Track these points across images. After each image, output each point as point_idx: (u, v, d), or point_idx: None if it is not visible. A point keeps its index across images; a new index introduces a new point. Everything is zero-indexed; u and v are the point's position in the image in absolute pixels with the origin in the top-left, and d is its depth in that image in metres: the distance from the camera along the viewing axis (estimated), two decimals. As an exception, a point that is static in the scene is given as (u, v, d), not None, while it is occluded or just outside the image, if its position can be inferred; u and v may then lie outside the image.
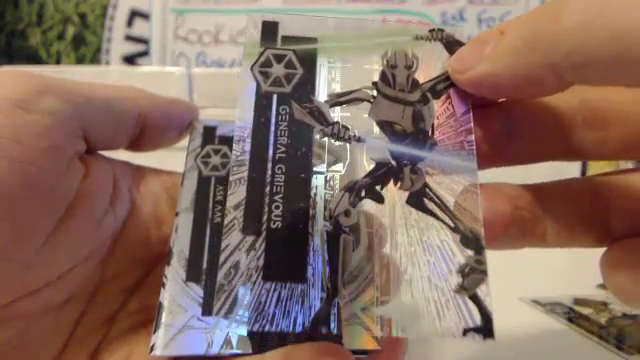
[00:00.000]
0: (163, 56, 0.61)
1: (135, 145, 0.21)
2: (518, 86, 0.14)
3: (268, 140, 0.15)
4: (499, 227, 0.15)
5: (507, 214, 0.16)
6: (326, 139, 0.16)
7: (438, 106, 0.16)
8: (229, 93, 0.49)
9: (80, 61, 0.62)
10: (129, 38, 0.62)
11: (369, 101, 0.16)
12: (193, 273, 0.18)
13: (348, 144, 0.16)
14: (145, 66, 0.61)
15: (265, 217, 0.15)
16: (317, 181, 0.15)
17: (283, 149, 0.15)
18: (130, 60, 0.62)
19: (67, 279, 0.17)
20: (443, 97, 0.16)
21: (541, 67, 0.13)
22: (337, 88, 0.16)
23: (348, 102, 0.16)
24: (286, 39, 0.17)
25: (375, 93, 0.16)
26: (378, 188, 0.15)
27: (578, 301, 0.30)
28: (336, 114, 0.16)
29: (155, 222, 0.20)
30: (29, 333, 0.17)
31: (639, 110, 0.16)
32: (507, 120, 0.17)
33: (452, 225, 0.15)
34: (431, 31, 0.17)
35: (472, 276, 0.14)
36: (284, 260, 0.14)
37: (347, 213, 0.15)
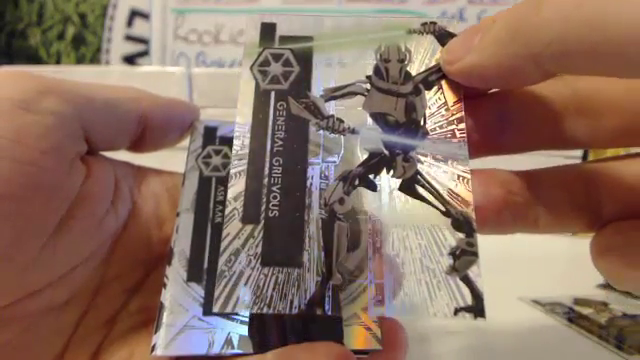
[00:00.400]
0: (163, 56, 0.61)
1: (136, 146, 0.21)
2: (503, 76, 0.15)
3: (266, 135, 0.16)
4: (491, 212, 0.16)
5: (500, 199, 0.16)
6: (321, 132, 0.16)
7: (430, 97, 0.17)
8: (229, 93, 0.49)
9: (80, 61, 0.62)
10: (129, 38, 0.62)
11: (363, 94, 0.17)
12: (194, 273, 0.18)
13: (343, 136, 0.16)
14: (145, 66, 0.60)
15: (263, 207, 0.15)
16: (313, 172, 0.16)
17: (280, 143, 0.16)
18: (130, 60, 0.62)
19: (68, 279, 0.17)
20: (435, 88, 0.17)
21: (522, 57, 0.13)
22: (332, 83, 0.17)
23: (343, 96, 0.17)
24: (283, 39, 0.18)
25: (369, 86, 0.17)
26: (371, 177, 0.16)
27: (578, 301, 0.30)
28: (331, 108, 0.17)
29: (156, 222, 0.21)
30: (30, 334, 0.17)
31: (631, 98, 0.16)
32: (499, 110, 0.17)
33: (444, 210, 0.15)
34: (423, 24, 0.18)
35: (463, 258, 0.14)
36: (281, 246, 0.15)
37: (341, 201, 0.15)
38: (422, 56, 0.17)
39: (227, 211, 0.15)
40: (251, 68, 0.17)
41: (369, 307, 0.14)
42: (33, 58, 0.62)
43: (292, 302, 0.14)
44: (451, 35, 0.17)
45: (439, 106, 0.16)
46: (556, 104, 0.16)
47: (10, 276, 0.15)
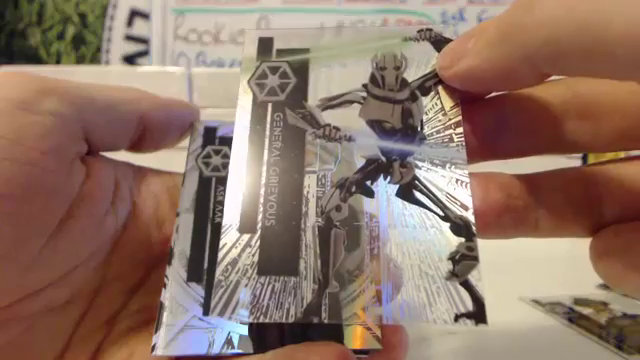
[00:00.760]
0: (163, 56, 0.61)
1: (136, 146, 0.21)
2: (498, 78, 0.15)
3: (263, 145, 0.16)
4: (492, 216, 0.16)
5: (500, 203, 0.16)
6: (318, 140, 0.16)
7: (427, 102, 0.17)
8: (229, 93, 0.49)
9: (80, 61, 0.62)
10: (129, 38, 0.62)
11: (359, 102, 0.17)
12: (194, 273, 0.18)
13: (339, 144, 0.16)
14: (145, 66, 0.61)
15: (260, 216, 0.15)
16: (309, 180, 0.16)
17: (277, 152, 0.16)
18: (130, 60, 0.62)
19: (68, 280, 0.17)
20: (432, 94, 0.17)
21: (516, 59, 0.13)
22: (328, 93, 0.17)
23: (339, 105, 0.17)
24: (280, 52, 0.18)
25: (365, 94, 0.17)
26: (369, 183, 0.16)
27: (578, 301, 0.30)
28: (328, 117, 0.17)
29: (156, 222, 0.21)
30: (31, 334, 0.17)
31: (631, 101, 0.16)
32: (497, 114, 0.17)
33: (442, 214, 0.15)
34: (419, 31, 0.18)
35: (463, 262, 0.14)
36: (278, 255, 0.15)
37: (338, 208, 0.15)
38: (418, 63, 0.17)
39: (224, 221, 0.15)
40: (249, 82, 0.17)
41: (367, 313, 0.14)
42: (33, 58, 0.62)
43: (289, 311, 0.14)
44: (447, 41, 0.17)
45: (436, 111, 0.16)
46: (556, 107, 0.16)
47: (10, 276, 0.16)
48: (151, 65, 0.60)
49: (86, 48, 0.62)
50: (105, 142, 0.19)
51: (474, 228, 0.15)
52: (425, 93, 0.17)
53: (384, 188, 0.16)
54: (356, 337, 0.16)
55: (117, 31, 0.61)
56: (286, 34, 0.18)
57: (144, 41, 0.61)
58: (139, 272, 0.20)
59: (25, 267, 0.16)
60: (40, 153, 0.16)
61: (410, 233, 0.15)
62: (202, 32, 0.61)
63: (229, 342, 0.16)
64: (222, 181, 0.20)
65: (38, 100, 0.16)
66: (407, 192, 0.15)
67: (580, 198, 0.16)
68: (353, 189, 0.16)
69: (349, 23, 0.61)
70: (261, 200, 0.16)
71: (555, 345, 0.25)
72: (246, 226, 0.15)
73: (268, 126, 0.17)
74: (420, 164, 0.16)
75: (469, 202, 0.15)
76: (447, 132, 0.16)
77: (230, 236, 0.15)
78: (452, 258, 0.14)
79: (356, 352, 0.15)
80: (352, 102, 0.17)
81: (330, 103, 0.17)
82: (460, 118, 0.16)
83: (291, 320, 0.14)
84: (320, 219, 0.15)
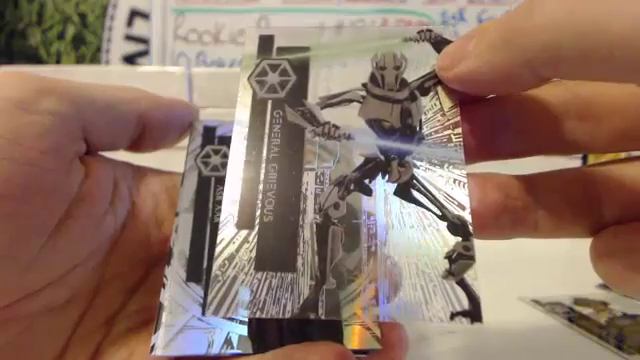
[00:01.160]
0: (163, 56, 0.61)
1: (135, 146, 0.21)
2: (498, 81, 0.15)
3: (262, 142, 0.16)
4: (490, 216, 0.16)
5: (498, 203, 0.16)
6: (317, 138, 0.16)
7: (426, 102, 0.17)
8: (229, 93, 0.49)
9: (80, 61, 0.62)
10: (129, 38, 0.62)
11: (359, 101, 0.17)
12: (193, 273, 0.18)
13: (338, 142, 0.16)
14: (145, 66, 0.61)
15: (258, 212, 0.15)
16: (308, 177, 0.16)
17: (276, 149, 0.16)
18: (130, 60, 0.62)
19: (67, 280, 0.17)
20: (431, 94, 0.17)
21: (517, 63, 0.14)
22: (328, 91, 0.17)
23: (339, 103, 0.17)
24: (281, 50, 0.18)
25: (364, 94, 0.17)
26: (367, 181, 0.16)
27: (578, 301, 0.30)
28: (327, 115, 0.17)
29: (155, 222, 0.21)
30: (30, 334, 0.17)
31: (631, 102, 0.16)
32: (495, 114, 0.17)
33: (439, 214, 0.15)
34: (419, 32, 0.18)
35: (460, 262, 0.14)
36: (275, 251, 0.15)
37: (336, 206, 0.16)
38: (418, 63, 0.17)
39: (222, 217, 0.15)
40: (249, 79, 0.17)
41: (364, 311, 0.14)
42: (33, 58, 0.62)
43: (285, 306, 0.14)
44: (447, 42, 0.17)
45: (435, 112, 0.16)
46: (556, 108, 0.16)
47: (10, 276, 0.15)
48: (151, 65, 0.60)
49: (86, 48, 0.62)
50: (104, 142, 0.19)
51: (471, 228, 0.15)
52: (424, 93, 0.17)
53: (382, 187, 0.16)
54: (355, 337, 0.16)
55: (117, 31, 0.61)
56: (287, 32, 0.18)
57: (144, 41, 0.61)
58: (138, 272, 0.20)
59: (24, 267, 0.16)
60: (39, 153, 0.16)
61: (407, 232, 0.15)
62: (202, 32, 0.61)
63: (228, 342, 0.16)
64: (221, 181, 0.20)
65: (37, 100, 0.16)
66: (405, 191, 0.16)
67: (579, 199, 0.16)
68: (351, 187, 0.16)
69: (349, 23, 0.61)
70: (259, 196, 0.16)
71: (555, 345, 0.25)
72: (244, 222, 0.15)
73: (268, 123, 0.17)
74: (418, 163, 0.16)
75: (466, 202, 0.15)
76: (446, 132, 0.16)
77: (228, 231, 0.15)
78: (449, 257, 0.14)
79: (355, 352, 0.15)
80: (352, 101, 0.17)
81: (330, 101, 0.17)
82: (459, 119, 0.16)
83: (288, 316, 0.14)
84: (318, 216, 0.15)
